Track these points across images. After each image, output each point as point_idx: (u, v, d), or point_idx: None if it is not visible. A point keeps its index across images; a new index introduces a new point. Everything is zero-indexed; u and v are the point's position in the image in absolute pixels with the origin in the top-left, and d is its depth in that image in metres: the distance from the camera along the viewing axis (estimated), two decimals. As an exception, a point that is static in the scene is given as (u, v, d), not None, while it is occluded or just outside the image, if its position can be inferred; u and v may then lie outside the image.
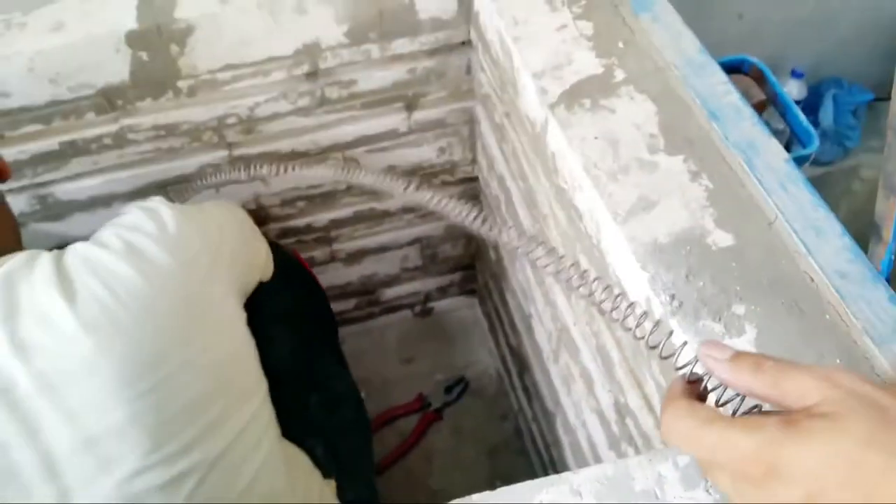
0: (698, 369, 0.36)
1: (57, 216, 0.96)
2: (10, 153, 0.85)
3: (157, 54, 0.80)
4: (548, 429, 1.02)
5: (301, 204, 1.07)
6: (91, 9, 0.78)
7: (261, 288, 0.75)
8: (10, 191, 0.90)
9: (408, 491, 1.21)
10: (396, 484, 1.23)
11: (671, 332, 0.46)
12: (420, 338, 1.39)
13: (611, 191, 0.57)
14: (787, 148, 0.58)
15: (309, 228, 1.12)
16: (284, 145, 0.97)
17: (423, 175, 1.08)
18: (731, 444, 0.31)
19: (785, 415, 0.31)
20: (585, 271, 0.47)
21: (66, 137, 0.86)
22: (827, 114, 1.50)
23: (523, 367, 1.10)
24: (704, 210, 0.55)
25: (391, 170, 1.05)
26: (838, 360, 0.48)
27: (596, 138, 0.61)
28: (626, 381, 0.64)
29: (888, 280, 0.67)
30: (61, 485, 0.53)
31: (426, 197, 0.61)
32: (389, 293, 1.34)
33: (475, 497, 0.45)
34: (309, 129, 0.96)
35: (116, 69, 0.80)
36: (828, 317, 0.50)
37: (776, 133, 0.60)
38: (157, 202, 0.63)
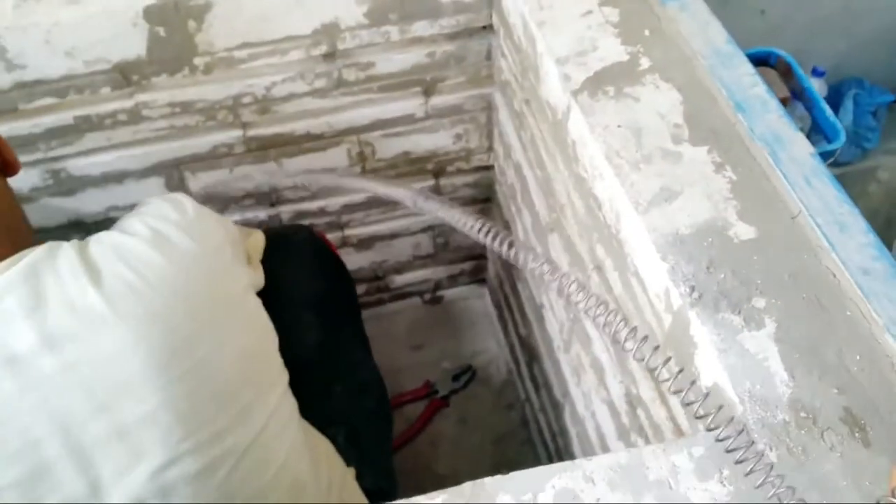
0: None
1: (69, 191, 0.96)
2: (25, 126, 0.85)
3: (174, 30, 0.79)
4: (555, 419, 1.02)
5: (314, 187, 1.07)
6: (110, -19, 0.77)
7: (291, 272, 0.75)
8: (23, 164, 0.89)
9: (413, 475, 1.22)
10: (402, 468, 1.22)
11: (669, 358, 0.46)
12: (429, 325, 1.39)
13: (633, 180, 0.57)
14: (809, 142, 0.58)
15: (321, 212, 1.12)
16: (299, 127, 0.96)
17: (437, 162, 1.08)
18: None
19: None
20: (593, 295, 0.48)
21: (80, 112, 0.86)
22: (847, 114, 1.48)
23: (532, 356, 1.10)
24: (727, 202, 0.55)
25: (406, 154, 1.05)
26: (858, 357, 0.47)
27: (619, 127, 0.60)
28: (639, 371, 0.64)
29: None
30: (94, 477, 0.51)
31: (436, 208, 0.61)
32: (400, 280, 1.34)
33: (488, 480, 0.45)
34: (325, 111, 0.95)
35: (133, 44, 0.80)
36: (849, 313, 0.49)
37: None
38: (180, 195, 0.63)
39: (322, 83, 0.91)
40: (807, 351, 0.47)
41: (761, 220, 0.53)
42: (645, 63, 0.64)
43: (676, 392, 0.45)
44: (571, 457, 0.96)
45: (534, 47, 0.71)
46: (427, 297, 1.40)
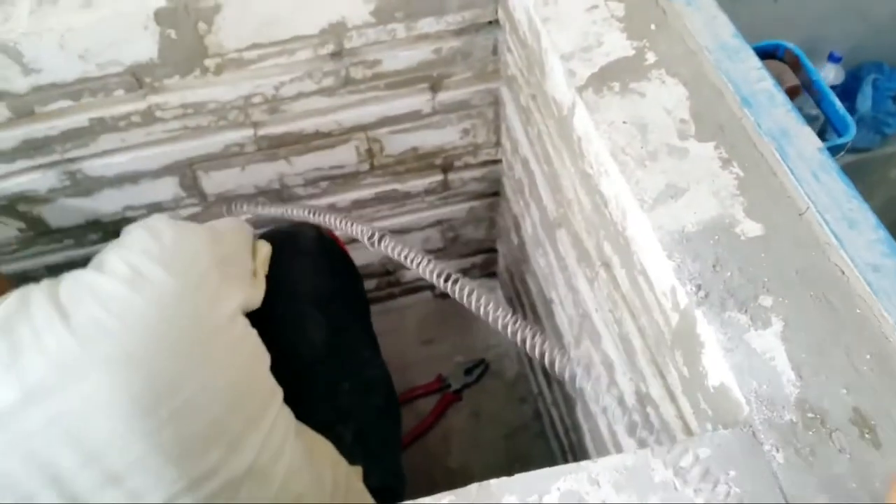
0: None
1: (86, 192, 0.97)
2: (41, 129, 0.86)
3: (184, 32, 0.80)
4: (567, 413, 1.02)
5: (324, 184, 1.07)
6: (119, -15, 0.78)
7: (298, 270, 0.75)
8: (41, 166, 0.91)
9: (426, 470, 1.22)
10: (414, 463, 1.24)
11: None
12: (440, 319, 1.39)
13: (638, 177, 0.56)
14: (822, 135, 0.57)
15: (331, 209, 1.12)
16: (308, 125, 0.97)
17: (445, 157, 1.08)
18: None
19: None
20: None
21: (95, 114, 0.87)
22: (865, 99, 1.45)
23: (544, 351, 1.09)
24: (734, 199, 0.54)
25: (413, 150, 1.05)
26: (867, 356, 0.47)
27: (624, 123, 0.60)
28: (649, 370, 0.63)
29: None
30: None
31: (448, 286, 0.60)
32: (410, 274, 1.34)
33: (493, 482, 0.45)
34: (333, 109, 0.95)
35: (145, 47, 0.80)
36: (858, 311, 0.49)
37: (810, 119, 0.58)
38: (161, 220, 0.61)
39: (330, 82, 0.91)
40: (815, 350, 0.47)
41: (768, 217, 0.53)
42: (651, 58, 0.64)
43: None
44: (584, 452, 0.96)
45: (539, 43, 0.71)
46: (437, 291, 1.40)
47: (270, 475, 0.60)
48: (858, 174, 0.54)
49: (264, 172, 1.02)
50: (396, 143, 1.03)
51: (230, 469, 0.56)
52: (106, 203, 0.99)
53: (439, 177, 1.11)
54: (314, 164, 1.03)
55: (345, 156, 1.03)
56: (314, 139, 0.99)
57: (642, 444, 0.70)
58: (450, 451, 1.24)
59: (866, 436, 0.44)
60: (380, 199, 1.13)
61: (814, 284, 0.50)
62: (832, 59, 1.41)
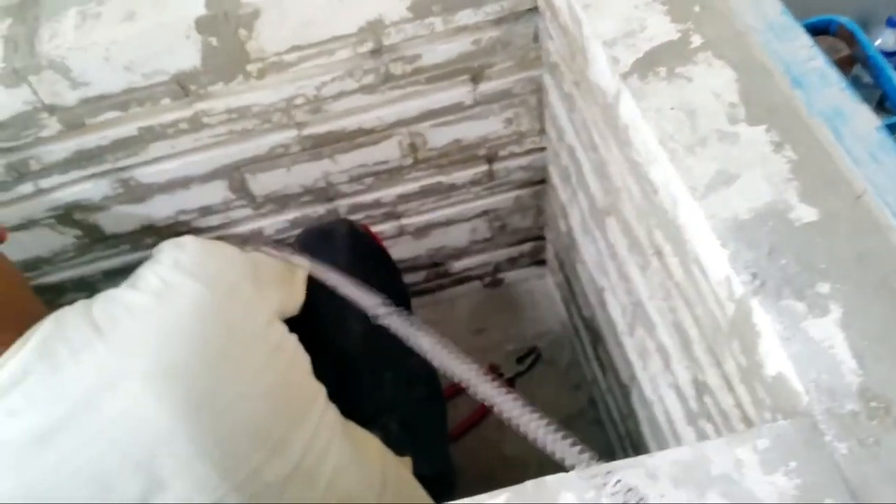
0: None
1: (139, 198, 1.00)
2: (93, 139, 0.89)
3: (226, 39, 0.81)
4: (623, 401, 1.01)
5: (369, 180, 1.08)
6: (161, -3, 0.80)
7: (333, 263, 0.76)
8: (94, 175, 0.94)
9: (481, 458, 1.23)
10: (470, 451, 1.25)
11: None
12: (490, 308, 1.39)
13: (688, 164, 0.55)
14: (881, 105, 0.54)
15: (377, 203, 1.13)
16: (351, 123, 0.97)
17: (489, 148, 1.07)
18: None
19: None
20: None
21: (143, 123, 0.89)
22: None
23: (597, 338, 1.09)
24: (788, 183, 0.53)
25: (457, 142, 1.05)
26: (935, 341, 0.45)
27: (672, 109, 0.58)
28: (705, 358, 0.62)
29: None
30: None
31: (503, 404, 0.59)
32: (458, 265, 1.35)
33: (549, 478, 0.45)
34: (374, 106, 0.96)
35: (188, 55, 0.82)
36: (923, 296, 0.47)
37: (867, 88, 0.56)
38: (188, 238, 0.63)
39: (370, 79, 0.91)
40: (876, 337, 0.45)
41: (824, 201, 0.51)
42: (696, 41, 0.62)
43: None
44: (641, 440, 0.96)
45: (580, 30, 0.70)
46: (487, 280, 1.40)
47: (316, 475, 0.61)
48: (921, 150, 0.51)
49: (310, 172, 1.04)
50: (439, 136, 1.03)
51: (273, 472, 0.57)
52: (159, 208, 1.02)
53: (484, 167, 1.11)
54: (358, 161, 1.04)
55: (388, 151, 1.03)
56: (357, 136, 1.00)
57: (701, 434, 0.69)
58: (506, 440, 1.25)
59: (935, 425, 0.42)
60: (425, 193, 1.14)
61: (874, 270, 0.48)
62: (891, 23, 1.34)
